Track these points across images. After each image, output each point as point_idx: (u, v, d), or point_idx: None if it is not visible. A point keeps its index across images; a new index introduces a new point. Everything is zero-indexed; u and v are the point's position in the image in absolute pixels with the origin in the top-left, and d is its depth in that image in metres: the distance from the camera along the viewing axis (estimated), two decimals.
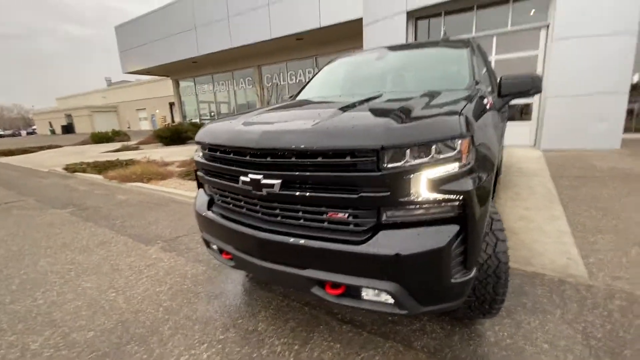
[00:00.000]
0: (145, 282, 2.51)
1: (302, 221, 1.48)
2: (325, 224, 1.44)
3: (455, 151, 1.28)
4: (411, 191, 1.27)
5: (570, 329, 1.75)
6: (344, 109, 1.62)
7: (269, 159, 1.45)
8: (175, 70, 18.75)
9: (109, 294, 2.37)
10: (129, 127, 35.55)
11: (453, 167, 1.28)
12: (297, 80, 14.72)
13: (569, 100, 6.49)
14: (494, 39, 7.34)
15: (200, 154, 1.92)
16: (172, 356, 1.71)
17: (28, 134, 54.82)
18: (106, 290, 2.42)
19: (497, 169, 3.22)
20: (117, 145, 14.91)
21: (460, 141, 1.28)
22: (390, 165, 1.26)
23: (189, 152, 9.88)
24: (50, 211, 4.63)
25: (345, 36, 11.75)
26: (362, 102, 1.75)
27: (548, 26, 6.73)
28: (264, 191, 1.47)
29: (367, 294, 1.41)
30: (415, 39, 8.24)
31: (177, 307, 2.15)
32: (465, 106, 1.46)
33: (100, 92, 44.47)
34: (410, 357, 1.63)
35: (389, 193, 1.27)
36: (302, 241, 1.42)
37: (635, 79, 7.52)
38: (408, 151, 1.26)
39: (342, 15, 10.21)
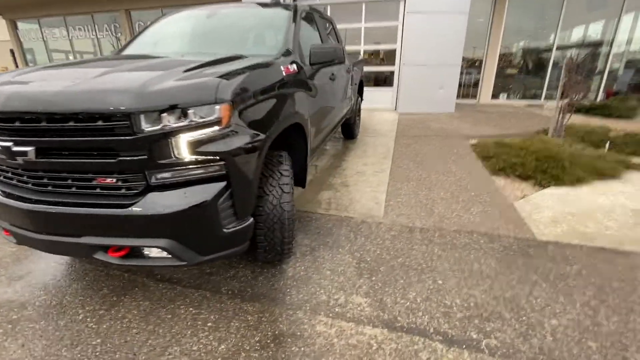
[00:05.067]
0: None
1: (74, 189, 1.44)
2: (98, 190, 1.43)
3: (215, 115, 1.40)
4: (172, 153, 1.36)
5: (351, 257, 2.23)
6: (114, 68, 1.56)
7: (17, 123, 1.33)
8: (10, 6, 14.26)
9: None
10: None
11: (213, 130, 1.40)
12: None
13: (419, 69, 7.56)
14: (363, 6, 7.81)
15: None
16: None
17: None
18: None
19: (333, 128, 3.52)
20: None
21: (219, 106, 1.40)
22: (146, 129, 1.30)
23: None
24: None
25: None
26: (139, 58, 1.70)
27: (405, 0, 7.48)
28: (19, 159, 1.36)
29: (151, 252, 1.50)
30: None
31: None
32: (237, 73, 1.58)
33: None
34: (215, 301, 1.85)
35: (146, 156, 1.33)
36: (71, 209, 1.40)
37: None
38: (165, 115, 1.32)
39: None
